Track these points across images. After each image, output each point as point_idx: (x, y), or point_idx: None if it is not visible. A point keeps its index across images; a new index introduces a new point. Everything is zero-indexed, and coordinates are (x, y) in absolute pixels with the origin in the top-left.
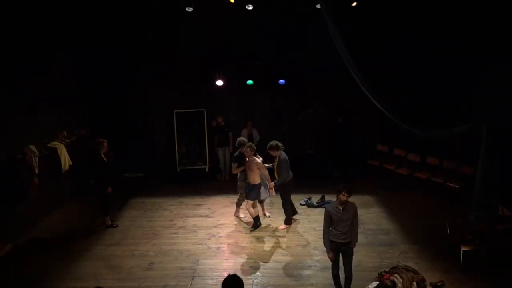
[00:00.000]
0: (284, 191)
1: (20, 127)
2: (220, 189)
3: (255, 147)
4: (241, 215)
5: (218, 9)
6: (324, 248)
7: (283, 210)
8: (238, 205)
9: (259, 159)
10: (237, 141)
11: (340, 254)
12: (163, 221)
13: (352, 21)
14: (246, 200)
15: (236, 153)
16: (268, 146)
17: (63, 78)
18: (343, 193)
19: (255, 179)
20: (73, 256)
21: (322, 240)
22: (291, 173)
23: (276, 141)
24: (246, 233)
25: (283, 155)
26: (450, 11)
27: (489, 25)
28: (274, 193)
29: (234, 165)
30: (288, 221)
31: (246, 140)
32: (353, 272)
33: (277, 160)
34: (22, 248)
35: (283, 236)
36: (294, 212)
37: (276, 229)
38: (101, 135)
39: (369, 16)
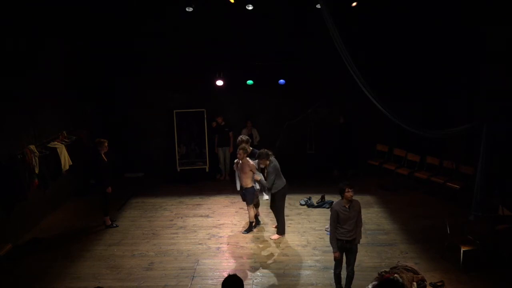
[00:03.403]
0: (276, 199)
1: (20, 127)
2: (220, 189)
3: (247, 149)
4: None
5: (218, 9)
6: (324, 248)
7: (275, 219)
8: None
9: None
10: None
11: (344, 253)
12: (163, 221)
13: (352, 21)
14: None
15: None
16: (257, 156)
17: (63, 78)
18: (347, 190)
19: (248, 182)
20: (73, 256)
21: (322, 240)
22: (283, 179)
23: (266, 150)
24: (246, 234)
25: (273, 163)
26: (451, 11)
27: (488, 25)
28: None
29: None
30: (281, 231)
31: (244, 138)
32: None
33: (266, 169)
34: (22, 248)
35: (283, 236)
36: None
37: (276, 229)
38: (101, 135)
39: (369, 16)
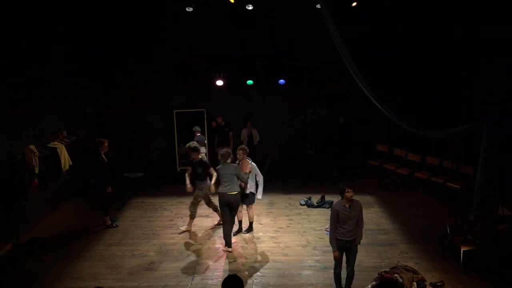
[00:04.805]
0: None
1: (20, 127)
2: None
3: (248, 150)
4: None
5: (218, 9)
6: (324, 248)
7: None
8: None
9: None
10: (187, 146)
11: (344, 253)
12: (163, 221)
13: (352, 21)
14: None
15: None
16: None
17: (63, 78)
18: (347, 190)
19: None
20: (73, 256)
21: (322, 240)
22: (223, 188)
23: (224, 152)
24: (246, 234)
25: (220, 167)
26: (451, 11)
27: (488, 25)
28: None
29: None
30: (229, 243)
31: (194, 144)
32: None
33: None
34: (22, 248)
35: (283, 236)
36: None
37: (276, 229)
38: (101, 135)
39: (369, 16)
